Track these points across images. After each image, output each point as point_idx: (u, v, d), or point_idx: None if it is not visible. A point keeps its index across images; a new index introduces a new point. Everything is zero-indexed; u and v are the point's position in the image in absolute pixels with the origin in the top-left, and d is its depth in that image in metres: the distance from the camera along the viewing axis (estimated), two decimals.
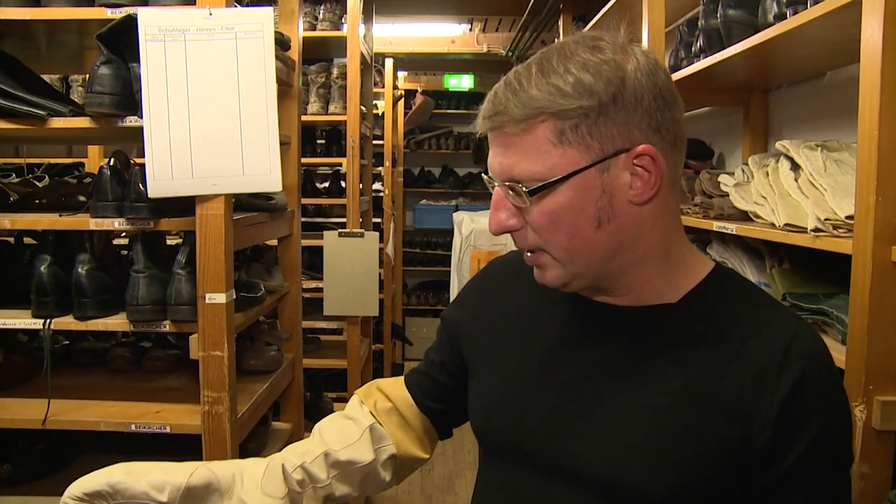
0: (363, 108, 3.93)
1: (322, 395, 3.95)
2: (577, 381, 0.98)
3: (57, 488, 1.90)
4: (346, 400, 4.01)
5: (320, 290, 3.75)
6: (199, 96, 1.68)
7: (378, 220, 5.92)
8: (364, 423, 1.15)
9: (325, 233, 3.73)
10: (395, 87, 6.13)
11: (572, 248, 0.91)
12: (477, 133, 0.95)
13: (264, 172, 1.71)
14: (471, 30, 5.94)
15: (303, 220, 4.60)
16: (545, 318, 1.05)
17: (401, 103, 6.66)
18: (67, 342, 2.36)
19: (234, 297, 1.79)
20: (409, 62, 6.41)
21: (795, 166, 1.93)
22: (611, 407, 0.94)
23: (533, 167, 0.89)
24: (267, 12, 1.69)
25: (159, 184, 1.68)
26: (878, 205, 1.35)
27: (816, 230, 1.61)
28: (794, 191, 1.87)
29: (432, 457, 1.26)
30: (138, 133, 1.70)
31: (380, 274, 5.70)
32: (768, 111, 2.70)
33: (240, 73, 1.69)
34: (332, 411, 4.00)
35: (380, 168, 6.02)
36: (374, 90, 5.89)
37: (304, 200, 4.32)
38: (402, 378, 1.25)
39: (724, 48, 2.09)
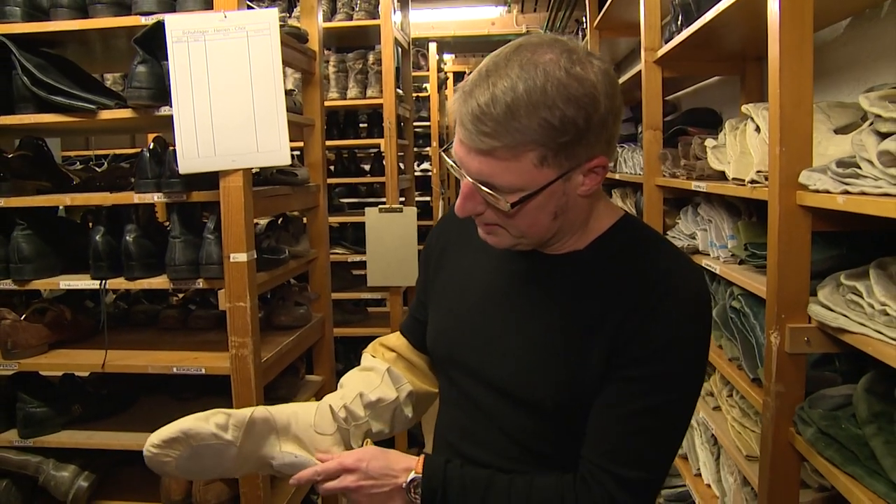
0: (400, 91, 4.19)
1: None
2: (499, 311, 1.22)
3: (118, 426, 2.29)
4: None
5: (364, 263, 4.03)
6: (218, 87, 1.97)
7: (427, 198, 6.19)
8: (381, 369, 1.40)
9: (367, 209, 3.99)
10: (440, 70, 6.38)
11: (528, 232, 1.13)
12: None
13: (275, 149, 2.00)
14: (509, 11, 6.14)
15: (353, 199, 4.93)
16: (484, 262, 1.28)
17: (450, 85, 6.89)
18: (126, 306, 2.71)
19: (255, 256, 2.08)
20: (453, 45, 6.64)
21: (759, 127, 2.11)
22: (519, 332, 1.19)
23: (513, 181, 1.03)
24: (272, 13, 1.97)
25: (188, 161, 1.98)
26: (782, 155, 1.55)
27: (752, 182, 1.81)
28: (753, 149, 2.05)
29: None
30: (171, 120, 2.00)
31: None
32: (763, 77, 2.85)
33: (252, 65, 1.98)
34: None
35: (428, 148, 6.27)
36: (420, 73, 6.15)
37: (348, 180, 4.63)
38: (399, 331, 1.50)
39: (696, 20, 2.28)
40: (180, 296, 2.83)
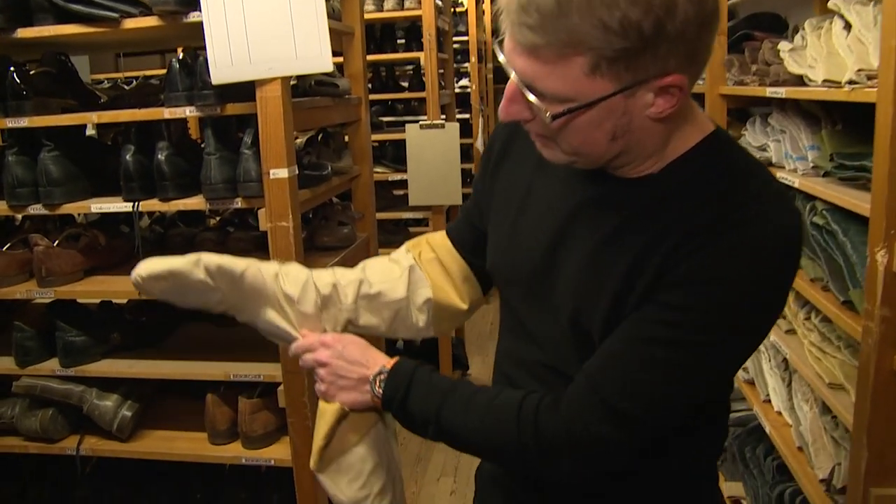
0: (439, 2, 3.97)
1: None
2: (558, 232, 1.06)
3: (158, 355, 2.20)
4: None
5: (406, 182, 3.90)
6: None
7: (467, 115, 5.98)
8: (405, 265, 1.25)
9: (407, 125, 3.83)
10: None
11: (582, 150, 0.95)
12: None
13: (315, 55, 1.82)
14: None
15: (391, 118, 4.76)
16: (547, 178, 1.11)
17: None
18: (162, 230, 2.60)
19: (297, 172, 1.94)
20: None
21: (849, 25, 1.89)
22: (576, 259, 1.03)
23: (558, 88, 0.87)
24: None
25: (221, 71, 1.82)
26: None
27: (851, 83, 1.61)
28: (843, 49, 1.84)
29: None
30: (201, 28, 1.83)
31: (472, 168, 5.83)
32: None
33: None
34: None
35: (467, 64, 6.03)
36: None
37: (386, 96, 4.46)
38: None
39: None
40: (217, 218, 2.71)
